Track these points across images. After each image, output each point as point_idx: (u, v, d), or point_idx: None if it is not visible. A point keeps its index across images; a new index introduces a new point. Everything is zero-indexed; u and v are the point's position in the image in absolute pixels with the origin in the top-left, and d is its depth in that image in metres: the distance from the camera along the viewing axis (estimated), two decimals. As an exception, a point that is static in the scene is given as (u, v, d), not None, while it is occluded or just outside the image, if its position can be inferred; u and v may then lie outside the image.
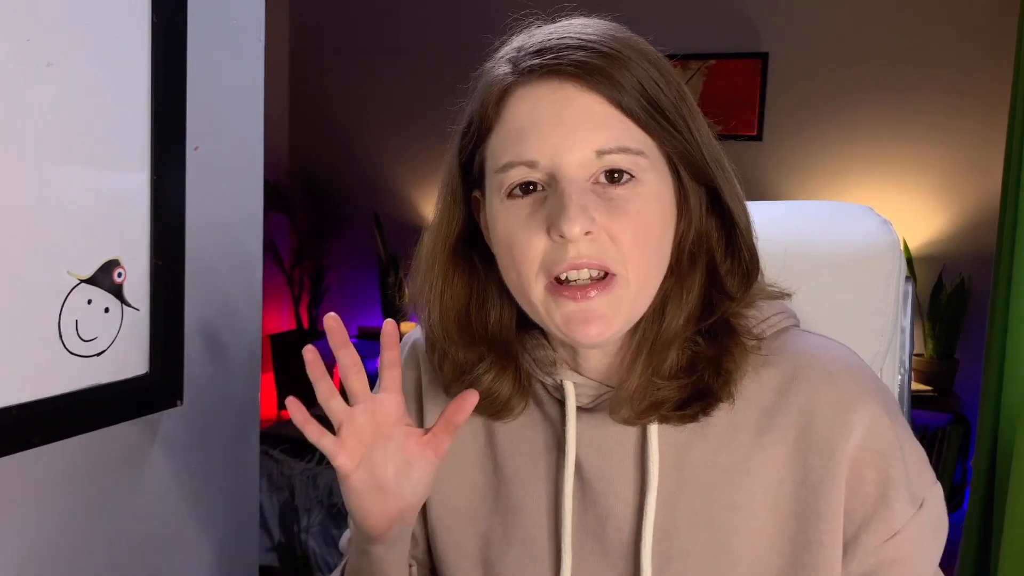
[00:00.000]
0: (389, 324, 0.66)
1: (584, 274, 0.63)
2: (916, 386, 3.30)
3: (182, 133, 0.97)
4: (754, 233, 0.70)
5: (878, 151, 3.45)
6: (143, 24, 0.92)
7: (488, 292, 0.73)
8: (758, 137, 3.62)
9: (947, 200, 3.37)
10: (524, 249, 0.64)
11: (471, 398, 0.67)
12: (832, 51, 3.51)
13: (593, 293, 0.63)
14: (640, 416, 0.67)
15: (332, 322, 0.65)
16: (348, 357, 0.66)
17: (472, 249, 0.73)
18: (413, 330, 0.83)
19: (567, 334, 0.65)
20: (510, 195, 0.65)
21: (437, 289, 0.73)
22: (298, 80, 4.65)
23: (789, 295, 0.73)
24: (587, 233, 0.62)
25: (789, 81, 3.58)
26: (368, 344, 4.46)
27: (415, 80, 4.33)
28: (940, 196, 3.38)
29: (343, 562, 0.80)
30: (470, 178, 0.72)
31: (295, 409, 0.64)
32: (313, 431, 0.64)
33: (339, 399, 0.66)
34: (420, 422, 0.80)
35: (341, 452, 0.65)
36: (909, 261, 3.35)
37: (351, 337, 3.48)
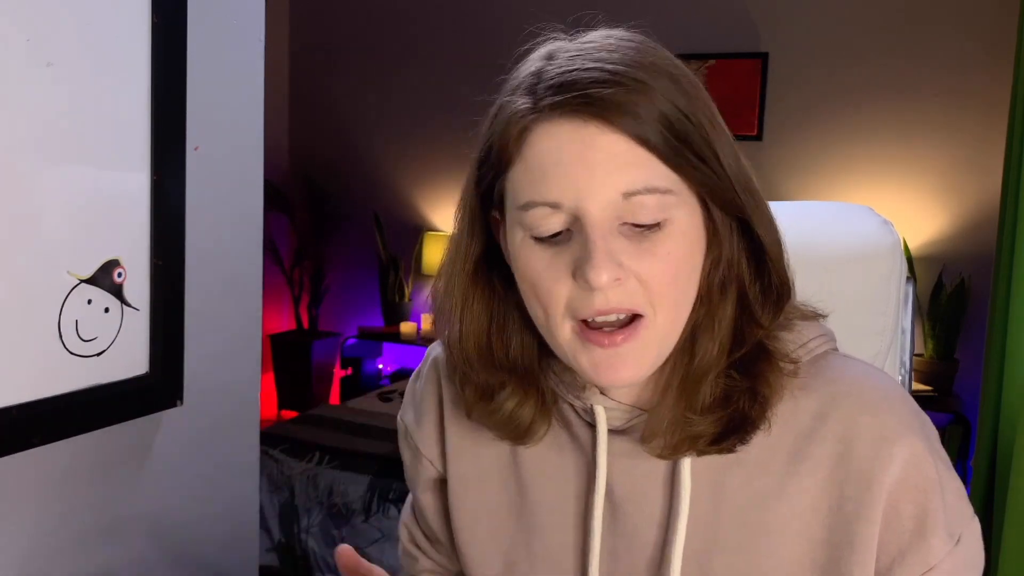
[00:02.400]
0: (343, 553, 0.68)
1: (611, 317, 0.62)
2: (916, 386, 3.30)
3: (182, 133, 0.97)
4: (786, 259, 0.68)
5: (878, 151, 3.45)
6: (143, 24, 0.92)
7: (508, 317, 0.71)
8: (758, 137, 3.62)
9: (947, 200, 3.37)
10: (549, 291, 0.62)
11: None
12: (832, 51, 3.51)
13: (621, 339, 0.61)
14: (674, 451, 0.66)
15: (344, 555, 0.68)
16: None
17: (492, 270, 0.71)
18: (434, 346, 0.83)
19: (595, 379, 0.64)
20: (534, 236, 0.63)
21: (457, 312, 0.71)
22: (298, 80, 4.66)
23: (824, 315, 0.72)
24: (616, 279, 0.60)
25: (789, 81, 3.58)
26: (368, 344, 4.47)
27: (415, 79, 4.33)
28: (940, 196, 3.38)
29: None
30: (488, 200, 0.69)
31: None
32: None
33: None
34: (440, 442, 0.80)
35: None
36: (909, 261, 3.35)
37: (351, 337, 3.46)
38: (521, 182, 0.63)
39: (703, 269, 0.65)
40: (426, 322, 4.20)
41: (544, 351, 0.71)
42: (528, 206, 0.62)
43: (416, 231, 4.38)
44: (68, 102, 0.85)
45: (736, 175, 0.64)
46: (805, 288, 0.77)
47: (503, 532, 0.75)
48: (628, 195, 0.60)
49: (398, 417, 0.85)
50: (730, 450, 0.65)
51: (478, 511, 0.77)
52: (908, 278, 0.95)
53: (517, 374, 0.71)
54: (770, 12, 3.61)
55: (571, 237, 0.62)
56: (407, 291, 4.38)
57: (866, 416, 0.65)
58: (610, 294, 0.60)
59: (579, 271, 0.60)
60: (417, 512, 0.86)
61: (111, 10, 0.89)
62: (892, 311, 0.91)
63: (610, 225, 0.60)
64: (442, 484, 0.81)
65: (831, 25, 3.51)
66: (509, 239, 0.66)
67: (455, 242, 0.71)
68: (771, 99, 3.62)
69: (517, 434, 0.72)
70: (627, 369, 0.62)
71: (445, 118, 4.24)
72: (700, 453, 0.66)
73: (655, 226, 0.61)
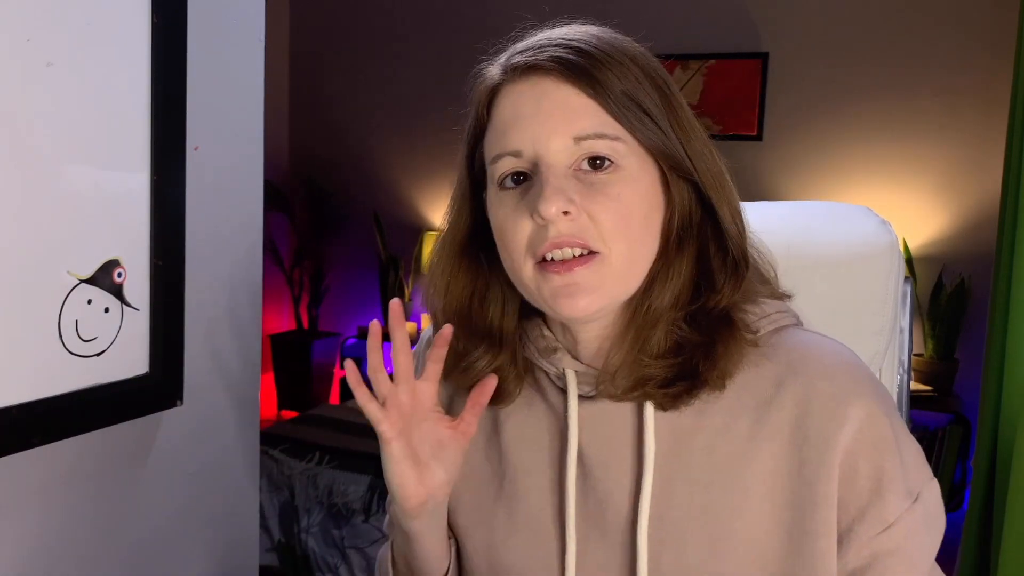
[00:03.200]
0: (446, 329, 0.71)
1: (567, 252, 0.67)
2: (916, 386, 3.30)
3: (182, 133, 0.97)
4: (748, 233, 0.73)
5: (878, 151, 3.45)
6: (143, 24, 0.92)
7: (491, 288, 0.77)
8: (758, 137, 3.62)
9: (947, 200, 3.37)
10: (513, 233, 0.69)
11: (491, 382, 0.74)
12: (832, 51, 3.51)
13: (577, 268, 0.67)
14: (625, 392, 0.70)
15: (395, 306, 0.71)
16: (400, 339, 0.71)
17: (480, 248, 0.77)
18: (428, 328, 0.88)
19: (555, 308, 0.68)
20: (502, 186, 0.70)
21: (443, 284, 0.77)
22: (298, 80, 4.66)
23: (790, 296, 0.76)
24: (566, 213, 0.66)
25: (789, 81, 3.59)
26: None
27: (415, 80, 4.33)
28: (940, 196, 3.38)
29: (389, 542, 0.85)
30: (476, 178, 0.76)
31: (351, 370, 0.71)
32: (363, 395, 0.69)
33: (385, 374, 0.71)
34: None
35: (385, 420, 0.70)
36: (909, 261, 3.35)
37: (351, 337, 3.47)
38: (491, 140, 0.71)
39: (662, 225, 0.71)
40: (426, 322, 4.20)
41: (522, 318, 0.77)
42: (496, 159, 0.70)
43: (416, 231, 4.38)
44: (68, 102, 0.85)
45: (689, 142, 0.69)
46: (803, 288, 0.77)
47: (486, 500, 0.78)
48: (579, 139, 0.67)
49: None
50: (677, 398, 0.69)
51: (463, 481, 0.80)
52: (906, 278, 0.95)
53: (491, 338, 0.77)
54: (770, 12, 3.61)
55: (532, 184, 0.68)
56: (407, 291, 4.38)
57: (823, 380, 0.68)
58: (561, 227, 0.66)
59: (533, 208, 0.66)
60: None
61: (111, 10, 0.89)
62: (890, 311, 0.91)
63: (563, 169, 0.67)
64: None
65: (831, 25, 3.51)
66: (487, 201, 0.73)
67: (446, 220, 0.79)
68: (771, 99, 3.62)
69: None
70: (583, 297, 0.67)
71: (445, 118, 4.23)
72: (648, 397, 0.70)
73: (605, 168, 0.67)
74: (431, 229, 4.35)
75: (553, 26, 0.73)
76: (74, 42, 0.85)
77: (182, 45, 0.97)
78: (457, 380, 0.78)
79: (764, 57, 3.61)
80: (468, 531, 0.79)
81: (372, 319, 0.73)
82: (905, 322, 0.97)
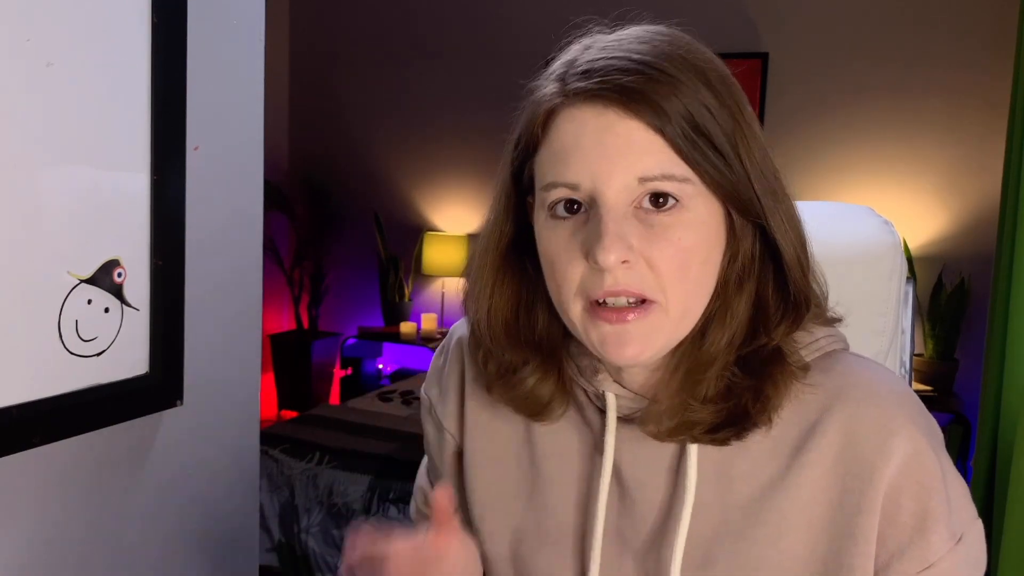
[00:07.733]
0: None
1: (621, 300, 0.63)
2: (916, 386, 3.30)
3: (182, 133, 0.97)
4: (812, 269, 0.68)
5: (878, 151, 3.45)
6: (143, 24, 0.92)
7: (537, 297, 0.73)
8: (758, 137, 3.62)
9: (947, 200, 3.37)
10: (564, 271, 0.64)
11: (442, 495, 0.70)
12: (832, 51, 3.51)
13: (631, 317, 0.63)
14: (669, 434, 0.67)
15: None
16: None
17: (524, 253, 0.73)
18: (458, 324, 0.85)
19: (602, 354, 0.65)
20: (553, 215, 0.65)
21: (487, 292, 0.73)
22: (298, 80, 4.66)
23: (840, 320, 0.73)
24: (624, 262, 0.61)
25: (789, 81, 3.59)
26: (368, 344, 4.47)
27: (416, 79, 4.33)
28: (940, 196, 3.38)
29: None
30: (522, 184, 0.71)
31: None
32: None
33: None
34: (460, 417, 0.82)
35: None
36: (909, 261, 3.35)
37: (351, 337, 3.45)
38: (545, 164, 0.66)
39: (722, 263, 0.67)
40: (426, 322, 4.20)
41: (566, 332, 0.73)
42: (549, 187, 0.65)
43: (416, 231, 4.38)
44: (68, 102, 0.85)
45: (759, 177, 0.65)
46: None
47: (514, 508, 0.77)
48: (644, 180, 0.62)
49: (422, 391, 0.87)
50: (724, 443, 0.66)
51: (492, 487, 0.78)
52: (908, 278, 0.95)
53: (541, 352, 0.73)
54: (770, 12, 3.61)
55: (588, 218, 0.63)
56: (407, 291, 4.38)
57: (870, 409, 0.65)
58: (619, 275, 0.62)
59: (590, 252, 0.62)
60: (435, 480, 0.88)
61: (111, 10, 0.89)
62: (892, 311, 0.91)
63: (624, 209, 0.62)
64: (462, 458, 0.83)
65: (831, 25, 3.51)
66: (535, 220, 0.68)
67: (489, 224, 0.73)
68: (771, 99, 3.62)
69: (535, 410, 0.74)
70: (634, 347, 0.64)
71: (446, 118, 4.24)
72: (695, 440, 0.67)
73: (668, 208, 0.62)
74: (431, 229, 4.35)
75: (615, 29, 0.68)
76: (74, 42, 0.85)
77: (182, 45, 0.96)
78: (500, 395, 0.75)
79: (764, 57, 3.61)
80: (494, 537, 0.77)
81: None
82: (907, 322, 0.97)
